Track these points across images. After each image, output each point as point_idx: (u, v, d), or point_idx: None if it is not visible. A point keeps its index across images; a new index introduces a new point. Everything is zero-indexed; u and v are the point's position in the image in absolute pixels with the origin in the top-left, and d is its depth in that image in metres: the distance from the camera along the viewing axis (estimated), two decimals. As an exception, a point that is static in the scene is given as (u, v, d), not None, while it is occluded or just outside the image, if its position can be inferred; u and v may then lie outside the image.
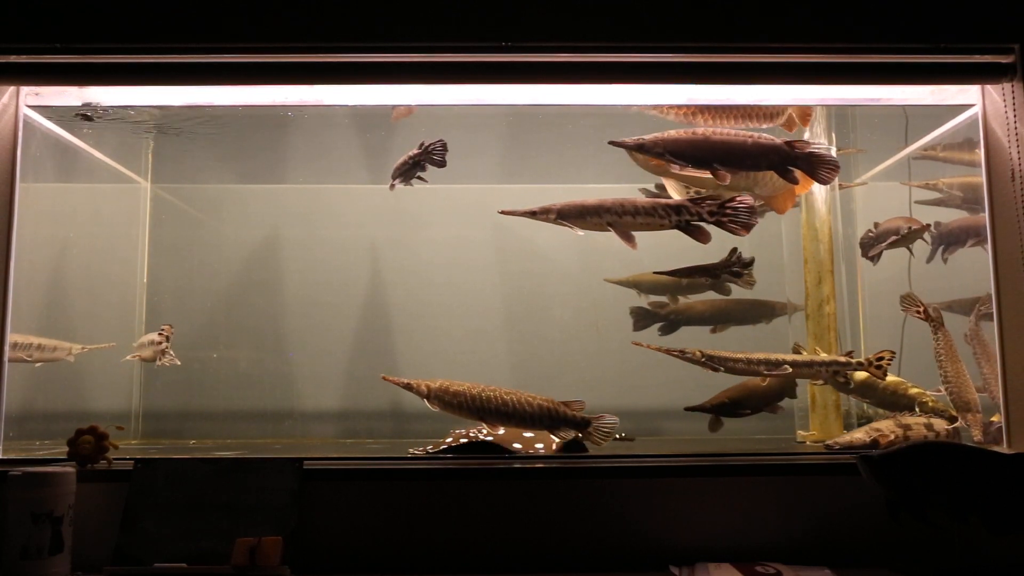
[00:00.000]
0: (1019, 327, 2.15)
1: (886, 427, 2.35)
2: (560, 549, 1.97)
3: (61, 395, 2.80)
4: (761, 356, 2.44)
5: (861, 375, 2.52)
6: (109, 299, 3.03)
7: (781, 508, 2.00)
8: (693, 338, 2.83)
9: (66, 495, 1.82)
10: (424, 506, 1.98)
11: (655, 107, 2.49)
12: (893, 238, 2.75)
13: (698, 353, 2.43)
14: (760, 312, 2.93)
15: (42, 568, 1.76)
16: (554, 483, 2.01)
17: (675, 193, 2.51)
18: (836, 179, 2.84)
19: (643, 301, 2.93)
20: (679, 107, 2.48)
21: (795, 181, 2.33)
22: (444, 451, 2.35)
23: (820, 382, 2.58)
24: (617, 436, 2.62)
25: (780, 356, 2.44)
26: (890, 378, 2.51)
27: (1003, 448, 2.17)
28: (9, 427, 2.20)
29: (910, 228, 2.72)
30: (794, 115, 2.56)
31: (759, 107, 2.49)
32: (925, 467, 1.79)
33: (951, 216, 2.78)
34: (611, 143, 2.34)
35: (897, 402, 2.51)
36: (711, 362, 2.41)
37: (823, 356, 2.50)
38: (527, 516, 1.99)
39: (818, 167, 2.32)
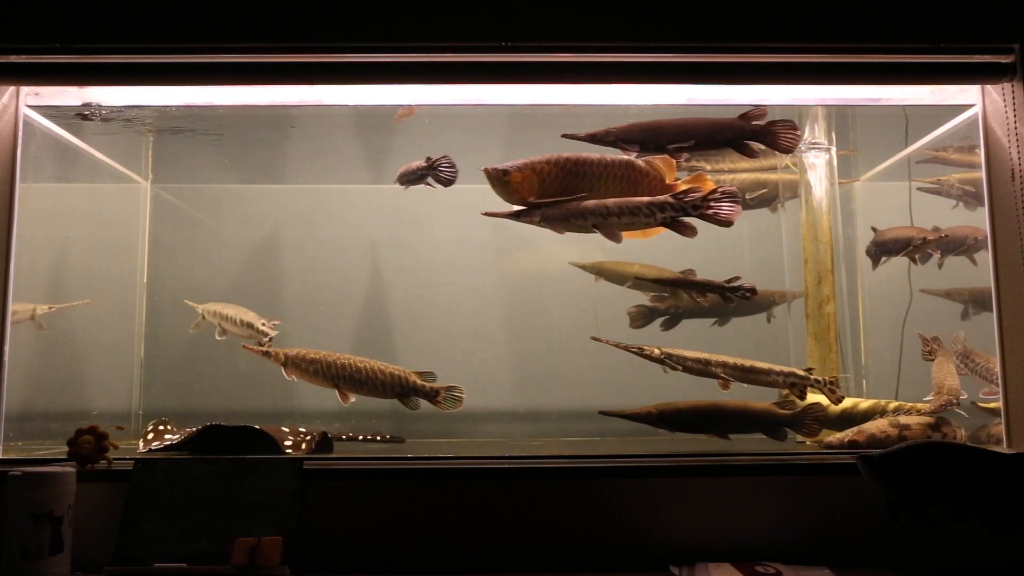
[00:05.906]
0: (1019, 327, 2.15)
1: (876, 428, 2.36)
2: (560, 549, 1.98)
3: (61, 395, 2.80)
4: (719, 358, 2.41)
5: (836, 409, 2.47)
6: (109, 299, 3.03)
7: (781, 508, 2.00)
8: (694, 336, 2.83)
9: (66, 495, 1.82)
10: (424, 506, 1.99)
11: None
12: (906, 250, 2.76)
13: (657, 351, 2.41)
14: (759, 303, 2.93)
15: (42, 568, 1.76)
16: (554, 483, 2.01)
17: None
18: (833, 176, 2.84)
19: (645, 298, 2.93)
20: None
21: (753, 155, 2.31)
22: (176, 444, 2.24)
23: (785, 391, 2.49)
24: (383, 437, 2.62)
25: (739, 360, 2.43)
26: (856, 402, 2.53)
27: (1003, 448, 2.17)
28: (9, 427, 2.21)
29: (924, 239, 2.73)
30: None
31: None
32: (925, 467, 1.80)
33: (953, 212, 2.78)
34: (564, 136, 2.32)
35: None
36: (669, 360, 2.39)
37: (781, 367, 2.45)
38: (527, 516, 1.99)
39: (777, 136, 2.31)
